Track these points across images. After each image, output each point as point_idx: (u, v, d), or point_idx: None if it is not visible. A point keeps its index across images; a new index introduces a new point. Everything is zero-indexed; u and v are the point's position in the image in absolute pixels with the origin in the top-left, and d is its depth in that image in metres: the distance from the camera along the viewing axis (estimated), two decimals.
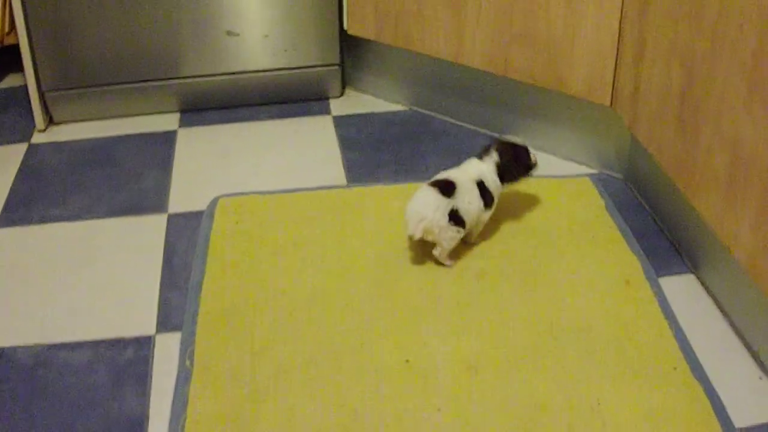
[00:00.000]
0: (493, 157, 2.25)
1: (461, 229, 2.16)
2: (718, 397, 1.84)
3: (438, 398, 1.84)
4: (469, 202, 2.17)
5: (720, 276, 2.12)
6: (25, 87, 3.03)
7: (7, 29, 3.02)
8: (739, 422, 1.80)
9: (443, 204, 2.13)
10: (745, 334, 2.01)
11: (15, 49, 3.06)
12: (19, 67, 3.16)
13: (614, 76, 2.41)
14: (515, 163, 2.27)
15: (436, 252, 2.19)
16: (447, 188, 2.15)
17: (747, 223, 1.85)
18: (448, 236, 2.15)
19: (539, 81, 2.55)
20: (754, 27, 1.77)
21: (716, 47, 1.91)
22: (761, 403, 1.86)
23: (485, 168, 2.24)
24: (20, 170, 2.70)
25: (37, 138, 2.88)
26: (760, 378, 1.92)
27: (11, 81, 3.25)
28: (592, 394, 1.85)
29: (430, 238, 2.15)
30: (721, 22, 1.88)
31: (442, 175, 2.20)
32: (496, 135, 2.53)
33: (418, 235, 2.13)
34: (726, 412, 1.81)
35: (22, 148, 2.82)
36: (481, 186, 2.21)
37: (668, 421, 1.79)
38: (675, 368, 1.90)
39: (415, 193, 2.17)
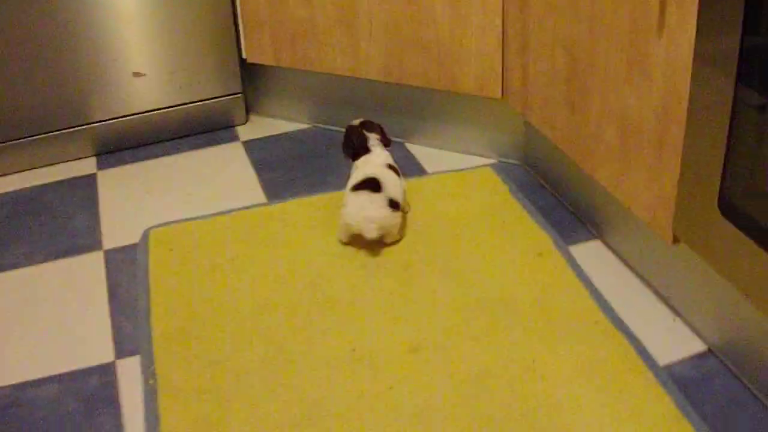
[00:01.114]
0: (374, 137, 2.47)
1: (399, 211, 2.34)
2: (640, 342, 2.01)
3: (387, 379, 1.97)
4: (393, 185, 2.35)
5: (622, 236, 2.28)
6: None
7: None
8: (661, 361, 1.97)
9: (381, 200, 2.31)
10: (654, 283, 2.18)
11: None
12: None
13: (502, 70, 2.53)
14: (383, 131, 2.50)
15: (388, 240, 2.36)
16: (375, 185, 2.32)
17: (642, 182, 2.02)
18: (396, 222, 2.33)
19: (434, 84, 2.66)
20: (627, 10, 1.93)
21: (595, 31, 2.07)
22: (678, 341, 2.03)
23: (380, 150, 2.44)
24: None
25: None
26: (674, 320, 2.09)
27: None
28: (526, 355, 2.00)
29: (383, 233, 2.32)
30: (597, 8, 2.04)
31: (358, 176, 2.37)
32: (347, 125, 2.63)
33: (374, 236, 2.30)
34: (648, 353, 1.98)
35: None
36: (390, 166, 2.40)
37: (598, 368, 1.95)
38: (596, 322, 2.07)
39: (350, 202, 2.34)
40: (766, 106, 1.61)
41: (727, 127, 1.69)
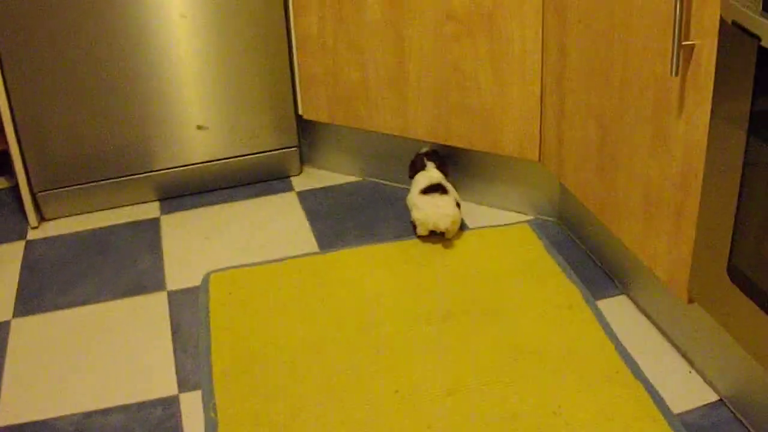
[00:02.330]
0: (431, 164, 2.84)
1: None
2: (657, 392, 2.15)
3: (426, 418, 2.13)
4: (453, 190, 2.73)
5: (645, 292, 2.41)
6: (9, 189, 3.24)
7: None
8: (676, 409, 2.11)
9: (451, 199, 2.75)
10: (673, 337, 2.31)
11: None
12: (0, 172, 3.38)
13: (540, 136, 2.65)
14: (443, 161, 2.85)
15: (450, 235, 2.77)
16: (443, 189, 2.74)
17: (663, 245, 2.16)
18: (459, 219, 2.77)
19: (476, 146, 2.78)
20: (652, 90, 2.08)
21: (623, 106, 2.21)
22: (692, 391, 2.17)
23: (435, 170, 2.81)
24: (23, 265, 2.86)
25: (32, 234, 3.03)
26: (690, 372, 2.22)
27: None
28: (553, 401, 2.15)
29: (453, 228, 2.74)
30: (626, 86, 2.18)
31: (422, 183, 2.75)
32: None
33: (447, 228, 2.73)
34: (665, 403, 2.12)
35: (20, 245, 2.98)
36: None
37: (618, 415, 2.09)
38: (617, 372, 2.21)
39: (424, 203, 2.75)
40: None
41: (736, 202, 1.83)
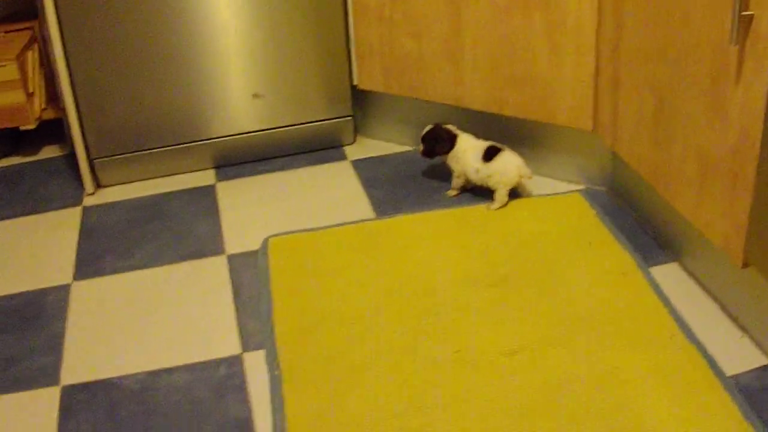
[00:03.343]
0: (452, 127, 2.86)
1: None
2: (710, 355, 2.19)
3: (485, 378, 2.18)
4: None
5: (697, 260, 2.45)
6: (63, 157, 3.32)
7: (44, 105, 3.30)
8: (728, 371, 2.15)
9: (512, 154, 2.82)
10: (724, 303, 2.34)
11: (48, 123, 3.35)
12: (52, 140, 3.47)
13: (594, 106, 2.69)
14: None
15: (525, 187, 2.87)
16: (499, 149, 2.84)
17: (718, 211, 2.19)
18: None
19: (531, 115, 2.82)
20: (708, 59, 2.12)
21: (680, 75, 2.25)
22: (745, 354, 2.20)
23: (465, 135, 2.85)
24: (81, 230, 2.92)
25: (89, 201, 3.09)
26: (741, 336, 2.26)
27: (46, 153, 3.48)
28: (608, 363, 2.19)
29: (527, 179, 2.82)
30: (683, 56, 2.22)
31: (478, 148, 2.84)
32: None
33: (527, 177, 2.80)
34: (718, 365, 2.16)
35: (77, 210, 3.04)
36: None
37: (672, 376, 2.13)
38: (672, 336, 2.25)
39: (496, 165, 2.81)
40: None
41: None
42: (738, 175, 2.09)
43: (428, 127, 2.90)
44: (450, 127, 2.88)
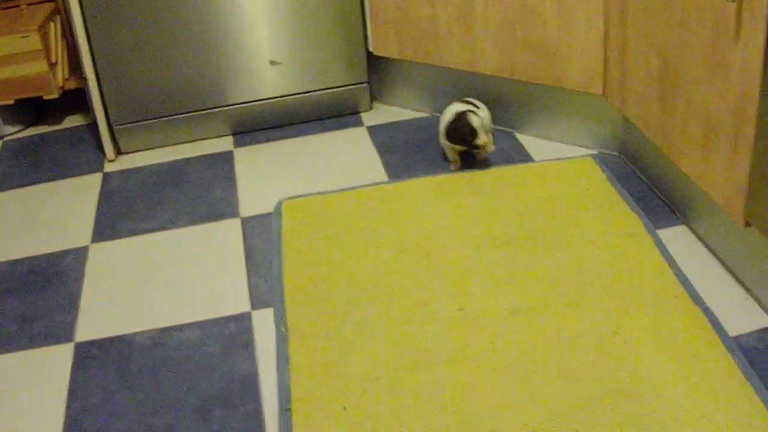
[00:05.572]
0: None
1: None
2: (714, 316, 2.20)
3: (489, 335, 2.20)
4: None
5: (703, 222, 2.46)
6: (85, 125, 3.37)
7: (67, 75, 3.35)
8: (732, 332, 2.16)
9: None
10: (730, 264, 2.35)
11: (71, 93, 3.42)
12: (76, 110, 3.53)
13: (604, 69, 2.70)
14: None
15: (484, 149, 2.81)
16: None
17: (720, 171, 2.20)
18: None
19: (542, 80, 2.84)
20: (709, 18, 2.12)
21: (683, 36, 2.25)
22: (748, 316, 2.21)
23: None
24: (101, 195, 2.98)
25: (109, 167, 3.16)
26: (746, 298, 2.27)
27: (70, 122, 3.54)
28: (612, 322, 2.21)
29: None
30: (686, 18, 2.22)
31: (460, 107, 2.81)
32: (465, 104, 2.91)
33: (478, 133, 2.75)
34: (722, 326, 2.17)
35: (98, 176, 3.11)
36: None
37: (676, 336, 2.15)
38: (676, 296, 2.26)
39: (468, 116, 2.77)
40: None
41: None
42: (738, 134, 2.10)
43: (451, 124, 2.85)
44: (468, 114, 2.81)
